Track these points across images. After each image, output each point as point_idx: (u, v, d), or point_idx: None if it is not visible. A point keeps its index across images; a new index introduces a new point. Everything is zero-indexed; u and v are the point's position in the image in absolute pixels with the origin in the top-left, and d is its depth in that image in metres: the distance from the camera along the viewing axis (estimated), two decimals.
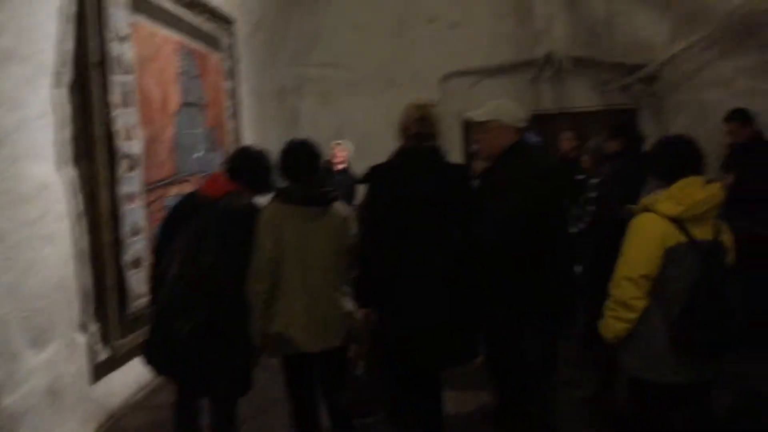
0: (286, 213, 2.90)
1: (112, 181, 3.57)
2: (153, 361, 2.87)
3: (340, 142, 6.17)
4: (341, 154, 6.08)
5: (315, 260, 2.92)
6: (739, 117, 4.69)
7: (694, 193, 2.42)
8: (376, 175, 2.98)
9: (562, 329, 3.28)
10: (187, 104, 4.52)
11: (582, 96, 6.75)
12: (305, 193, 2.92)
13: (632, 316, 2.50)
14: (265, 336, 2.93)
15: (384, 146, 3.47)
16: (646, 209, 2.51)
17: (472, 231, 2.87)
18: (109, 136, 3.54)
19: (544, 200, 2.91)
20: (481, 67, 6.82)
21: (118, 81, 3.62)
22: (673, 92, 6.42)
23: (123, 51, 3.68)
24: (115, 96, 3.58)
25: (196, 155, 4.67)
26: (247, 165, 2.92)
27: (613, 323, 2.56)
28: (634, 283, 2.46)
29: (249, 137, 5.93)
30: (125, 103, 3.69)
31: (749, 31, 6.12)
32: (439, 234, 2.87)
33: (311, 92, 7.24)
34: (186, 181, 4.40)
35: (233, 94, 5.50)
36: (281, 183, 3.00)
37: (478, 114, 3.13)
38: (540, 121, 6.82)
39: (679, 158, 2.52)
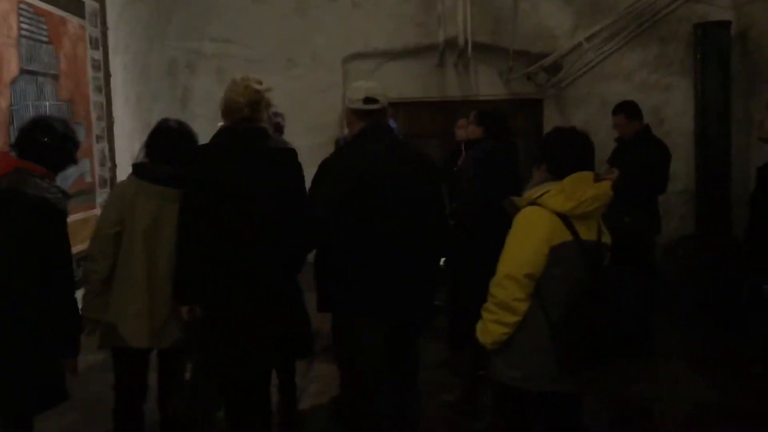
0: (140, 189, 2.68)
1: None
2: None
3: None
4: None
5: (165, 246, 2.68)
6: (626, 110, 4.52)
7: (586, 189, 2.25)
8: (199, 157, 2.70)
9: (420, 327, 3.02)
10: (29, 72, 4.02)
11: (487, 84, 6.53)
12: (164, 172, 2.70)
13: (514, 319, 2.27)
14: (98, 324, 2.71)
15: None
16: (533, 203, 2.30)
17: (298, 219, 2.63)
18: None
19: (378, 189, 2.66)
20: (384, 50, 6.50)
21: None
22: (576, 83, 6.27)
23: None
24: None
25: None
26: (36, 137, 2.48)
27: (493, 327, 2.30)
28: (518, 282, 2.23)
29: (125, 114, 5.47)
30: None
31: (651, 23, 6.04)
32: (269, 220, 2.60)
33: (206, 69, 6.76)
34: None
35: (101, 66, 5.01)
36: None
37: None
38: (445, 108, 6.60)
39: (572, 152, 2.36)
